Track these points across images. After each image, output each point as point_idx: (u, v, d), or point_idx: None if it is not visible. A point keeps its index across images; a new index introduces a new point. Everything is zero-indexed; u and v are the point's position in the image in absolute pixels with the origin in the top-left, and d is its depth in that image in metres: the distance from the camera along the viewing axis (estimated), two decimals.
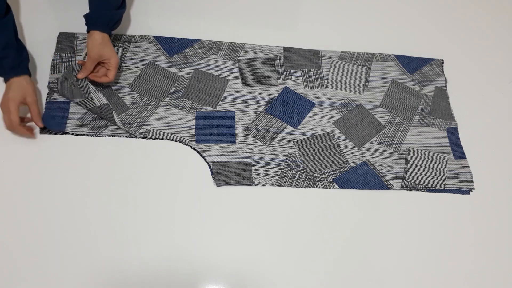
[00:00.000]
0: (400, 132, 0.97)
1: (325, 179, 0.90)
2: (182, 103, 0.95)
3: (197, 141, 0.90)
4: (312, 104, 0.98)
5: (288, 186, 0.88)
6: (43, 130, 0.89)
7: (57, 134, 0.89)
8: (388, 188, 0.89)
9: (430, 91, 1.03)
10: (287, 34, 1.07)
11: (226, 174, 0.87)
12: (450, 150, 0.95)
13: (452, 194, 0.90)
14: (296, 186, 0.89)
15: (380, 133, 0.96)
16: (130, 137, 0.90)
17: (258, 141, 0.91)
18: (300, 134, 0.94)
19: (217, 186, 0.87)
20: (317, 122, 0.96)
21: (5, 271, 0.76)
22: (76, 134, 0.89)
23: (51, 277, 0.77)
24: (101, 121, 0.90)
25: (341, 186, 0.89)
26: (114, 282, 0.77)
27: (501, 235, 0.88)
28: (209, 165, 0.88)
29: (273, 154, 0.90)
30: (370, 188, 0.89)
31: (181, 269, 0.79)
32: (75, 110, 0.91)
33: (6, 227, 0.79)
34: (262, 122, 0.93)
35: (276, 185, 0.87)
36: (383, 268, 0.83)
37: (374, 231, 0.86)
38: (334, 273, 0.82)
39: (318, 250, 0.84)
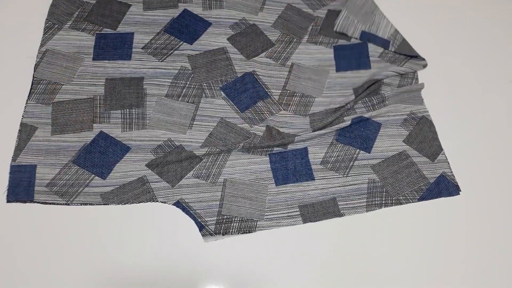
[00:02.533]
0: (288, 49, 1.02)
1: (213, 88, 0.95)
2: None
3: (277, 184, 0.87)
4: (208, 24, 1.03)
5: None
6: (9, 199, 0.82)
7: (25, 203, 0.83)
8: (268, 96, 0.96)
9: (322, 14, 1.07)
10: None
11: (314, 213, 0.86)
12: (333, 63, 1.01)
13: (446, 201, 0.89)
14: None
15: (270, 49, 1.01)
16: (104, 204, 0.83)
17: (336, 174, 0.89)
18: (195, 50, 0.99)
19: (304, 222, 0.86)
20: (212, 39, 1.01)
21: None
22: (45, 203, 0.82)
23: None
24: (71, 188, 0.84)
25: (227, 94, 0.95)
26: (113, 282, 0.78)
27: (500, 239, 0.86)
28: (196, 221, 0.84)
29: (355, 184, 0.89)
30: (254, 94, 0.95)
31: (181, 269, 0.81)
32: (43, 175, 0.84)
33: None
34: (335, 153, 0.91)
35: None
36: (383, 270, 0.83)
37: (373, 239, 0.85)
38: (334, 274, 0.82)
39: (317, 249, 0.83)
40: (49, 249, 0.80)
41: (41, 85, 0.92)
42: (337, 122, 0.93)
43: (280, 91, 0.97)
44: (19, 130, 0.88)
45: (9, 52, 0.97)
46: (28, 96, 0.91)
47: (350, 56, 1.02)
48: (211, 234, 0.82)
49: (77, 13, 1.01)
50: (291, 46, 1.02)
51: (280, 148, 0.90)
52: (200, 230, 0.82)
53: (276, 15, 1.05)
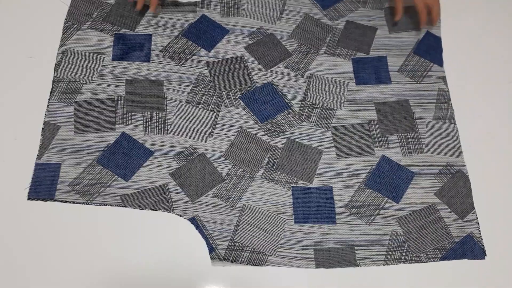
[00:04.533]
0: (306, 60, 1.02)
1: (232, 97, 0.97)
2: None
3: (296, 222, 0.85)
4: (226, 31, 1.04)
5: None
6: (30, 197, 0.83)
7: (46, 201, 0.84)
8: (289, 107, 0.96)
9: (341, 25, 1.08)
10: None
11: (328, 259, 0.83)
12: (353, 77, 1.01)
13: (470, 264, 0.85)
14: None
15: (288, 59, 1.02)
16: (123, 206, 0.84)
17: (359, 220, 0.87)
18: (213, 57, 1.01)
19: (317, 267, 0.83)
20: (230, 47, 1.02)
21: None
22: (66, 202, 0.84)
23: None
24: (93, 188, 0.85)
25: (247, 104, 0.96)
26: (113, 282, 0.79)
27: None
28: (208, 242, 0.84)
29: (376, 234, 0.86)
30: (275, 106, 0.96)
31: (181, 269, 0.79)
32: (66, 174, 0.86)
33: None
34: (362, 198, 0.89)
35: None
36: None
37: None
38: (335, 275, 0.82)
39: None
40: (52, 248, 0.81)
41: (62, 84, 0.94)
42: (366, 145, 0.94)
43: (300, 102, 0.98)
44: (43, 129, 0.90)
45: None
46: (50, 95, 0.93)
47: (370, 69, 1.02)
48: (219, 259, 0.82)
49: (96, 13, 1.03)
50: (308, 56, 1.03)
51: (305, 182, 0.90)
52: (210, 252, 0.82)
53: (294, 24, 1.07)
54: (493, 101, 1.01)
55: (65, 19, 1.01)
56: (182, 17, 1.05)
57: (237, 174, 0.90)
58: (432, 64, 1.04)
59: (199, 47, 1.01)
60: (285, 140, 0.94)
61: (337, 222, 0.86)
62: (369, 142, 0.95)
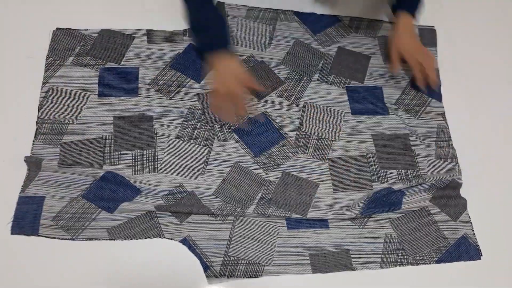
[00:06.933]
0: (299, 88, 0.99)
1: (225, 130, 0.93)
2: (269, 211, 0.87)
3: (289, 228, 0.85)
4: None
5: None
6: (14, 232, 0.81)
7: (29, 236, 0.81)
8: (284, 137, 0.93)
9: (332, 51, 1.05)
10: None
11: (324, 264, 0.83)
12: (348, 106, 0.98)
13: (466, 266, 0.85)
14: None
15: (280, 87, 0.99)
16: (110, 239, 0.82)
17: (352, 224, 0.87)
18: (203, 88, 0.97)
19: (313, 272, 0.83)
20: None
21: None
22: (49, 237, 0.81)
23: None
24: (77, 222, 0.82)
25: (240, 137, 0.93)
26: (112, 282, 0.78)
27: None
28: (202, 261, 0.81)
29: (371, 237, 0.86)
30: (269, 138, 0.93)
31: (181, 269, 0.80)
32: (50, 208, 0.83)
33: None
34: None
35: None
36: None
37: None
38: (332, 280, 0.82)
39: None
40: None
41: (47, 124, 0.90)
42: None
43: (295, 133, 0.95)
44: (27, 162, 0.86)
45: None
46: (35, 136, 0.89)
47: (365, 99, 0.99)
48: (215, 276, 0.80)
49: (79, 47, 0.98)
50: (301, 84, 1.00)
51: (299, 216, 0.86)
52: (205, 270, 0.80)
53: (284, 51, 1.03)
54: (493, 101, 1.02)
55: (47, 56, 0.97)
56: (169, 47, 1.01)
57: (227, 214, 0.86)
58: (430, 99, 1.01)
59: (189, 78, 0.98)
60: (281, 173, 0.91)
61: (330, 226, 0.86)
62: (368, 176, 0.92)
